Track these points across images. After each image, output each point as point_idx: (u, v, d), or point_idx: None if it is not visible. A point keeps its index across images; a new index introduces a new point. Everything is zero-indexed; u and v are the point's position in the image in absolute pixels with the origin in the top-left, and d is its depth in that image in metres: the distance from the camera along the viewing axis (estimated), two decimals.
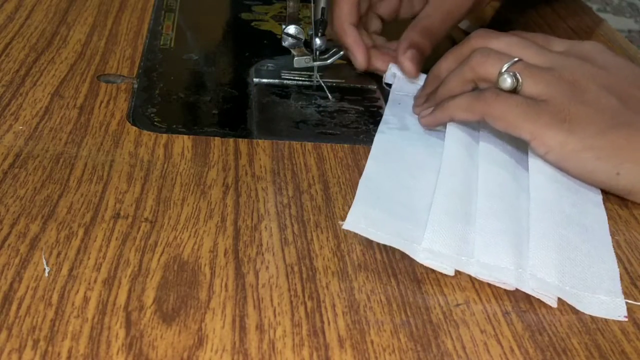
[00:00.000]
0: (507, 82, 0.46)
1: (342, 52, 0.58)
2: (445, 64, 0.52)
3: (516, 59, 0.46)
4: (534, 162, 0.47)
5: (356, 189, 0.44)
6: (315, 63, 0.57)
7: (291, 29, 0.56)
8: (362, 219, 0.40)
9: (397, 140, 0.50)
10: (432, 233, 0.40)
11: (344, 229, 0.39)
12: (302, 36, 0.56)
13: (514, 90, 0.46)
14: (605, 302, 0.38)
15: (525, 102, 0.46)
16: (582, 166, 0.45)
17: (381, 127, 0.51)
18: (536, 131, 0.45)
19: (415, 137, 0.51)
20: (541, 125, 0.45)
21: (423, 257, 0.39)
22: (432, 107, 0.51)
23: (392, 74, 0.58)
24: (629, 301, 0.38)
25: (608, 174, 0.45)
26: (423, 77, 0.56)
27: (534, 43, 0.49)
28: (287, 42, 0.56)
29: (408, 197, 0.43)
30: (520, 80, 0.46)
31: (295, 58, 0.57)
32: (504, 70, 0.46)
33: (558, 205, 0.44)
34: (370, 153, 0.47)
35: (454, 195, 0.43)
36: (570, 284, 0.38)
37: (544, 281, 0.38)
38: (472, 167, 0.46)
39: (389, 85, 0.58)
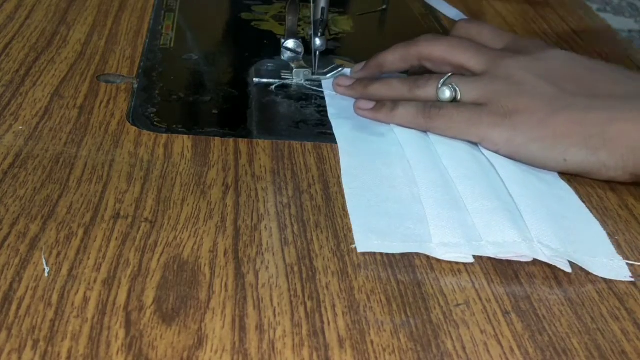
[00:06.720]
0: (446, 93, 0.49)
1: (341, 69, 0.58)
2: (391, 57, 0.54)
3: (449, 74, 0.50)
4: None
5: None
6: (314, 77, 0.58)
7: (290, 43, 0.58)
8: (370, 234, 0.40)
9: (356, 130, 0.50)
10: (437, 228, 0.40)
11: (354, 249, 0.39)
12: (301, 50, 0.57)
13: (454, 100, 0.49)
14: (608, 264, 0.39)
15: (467, 108, 0.48)
16: (532, 157, 0.47)
17: (335, 120, 0.52)
18: (482, 133, 0.47)
19: (371, 125, 0.51)
20: (486, 127, 0.47)
21: (441, 252, 0.39)
22: (360, 91, 0.53)
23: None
24: (630, 262, 0.40)
25: (556, 161, 0.46)
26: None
27: (473, 45, 0.51)
28: (286, 56, 0.58)
29: (391, 188, 0.44)
30: (458, 89, 0.49)
31: (294, 70, 0.57)
32: (440, 85, 0.49)
33: (529, 181, 0.45)
34: (339, 147, 0.48)
35: (436, 186, 0.44)
36: (572, 249, 0.39)
37: (551, 248, 0.39)
38: (434, 153, 0.48)
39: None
